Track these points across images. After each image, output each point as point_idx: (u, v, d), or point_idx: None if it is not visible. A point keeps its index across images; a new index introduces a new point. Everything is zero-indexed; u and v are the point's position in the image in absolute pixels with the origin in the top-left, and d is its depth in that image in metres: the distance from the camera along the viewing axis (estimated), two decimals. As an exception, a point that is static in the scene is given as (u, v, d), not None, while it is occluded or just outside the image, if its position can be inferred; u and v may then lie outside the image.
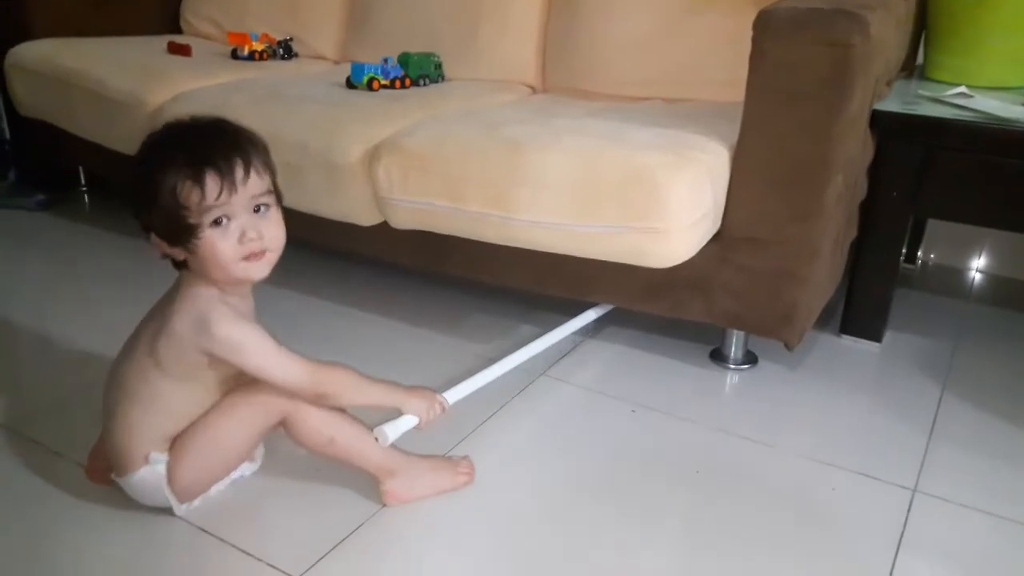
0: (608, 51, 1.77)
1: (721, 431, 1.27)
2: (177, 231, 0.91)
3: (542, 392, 1.37)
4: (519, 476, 1.15)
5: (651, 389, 1.38)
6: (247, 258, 0.93)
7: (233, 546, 0.99)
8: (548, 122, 1.41)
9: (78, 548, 0.98)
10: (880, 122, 1.38)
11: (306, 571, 0.95)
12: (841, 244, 1.41)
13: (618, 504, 1.09)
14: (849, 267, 1.53)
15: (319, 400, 0.99)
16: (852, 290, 1.55)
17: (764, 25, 1.18)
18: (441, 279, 1.73)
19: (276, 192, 0.97)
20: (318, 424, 1.00)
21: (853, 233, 1.49)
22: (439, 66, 1.87)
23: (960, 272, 1.99)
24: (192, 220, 0.90)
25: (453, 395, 1.14)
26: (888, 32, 1.31)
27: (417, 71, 1.81)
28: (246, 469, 1.10)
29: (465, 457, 1.15)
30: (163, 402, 0.98)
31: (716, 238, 1.29)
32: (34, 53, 2.00)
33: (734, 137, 1.26)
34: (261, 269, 0.95)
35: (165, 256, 0.96)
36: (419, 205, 1.36)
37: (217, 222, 0.91)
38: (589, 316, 1.50)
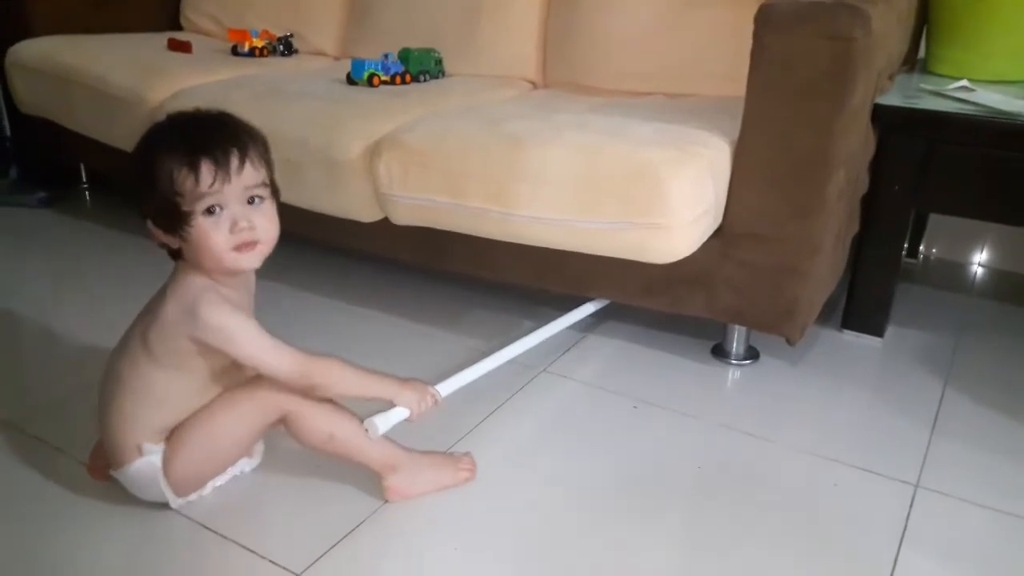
0: (609, 46, 1.77)
1: (723, 427, 1.26)
2: (171, 217, 0.92)
3: (543, 388, 1.37)
4: (521, 472, 1.15)
5: (652, 385, 1.37)
6: (238, 248, 0.94)
7: (234, 542, 0.99)
8: (549, 118, 1.41)
9: (79, 544, 0.98)
10: (882, 116, 1.38)
11: (308, 567, 0.95)
12: (843, 239, 1.41)
13: (620, 500, 1.09)
14: (851, 262, 1.53)
15: (309, 391, 0.98)
16: (854, 285, 1.55)
17: (766, 19, 1.17)
18: (441, 275, 1.73)
19: (273, 187, 0.98)
20: (319, 422, 1.00)
21: (855, 228, 1.49)
22: (439, 62, 1.87)
23: (962, 266, 1.98)
24: (185, 207, 0.91)
25: (446, 388, 1.13)
26: (890, 26, 1.31)
27: (418, 67, 1.81)
28: (245, 465, 1.10)
29: (467, 453, 1.14)
30: (155, 392, 0.98)
31: (718, 233, 1.29)
32: (35, 51, 2.00)
33: (735, 132, 1.25)
34: (251, 260, 0.96)
35: (162, 246, 0.97)
36: (420, 201, 1.36)
37: (210, 211, 0.92)
38: (585, 310, 1.49)
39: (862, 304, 1.55)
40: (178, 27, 2.43)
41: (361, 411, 1.04)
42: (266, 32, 2.13)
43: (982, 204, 1.43)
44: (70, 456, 1.13)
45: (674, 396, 1.34)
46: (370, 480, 1.06)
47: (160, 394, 0.98)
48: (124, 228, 1.99)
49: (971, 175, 1.40)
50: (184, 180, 0.90)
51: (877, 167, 1.46)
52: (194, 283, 0.96)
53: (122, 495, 1.03)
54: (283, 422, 1.01)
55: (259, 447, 1.12)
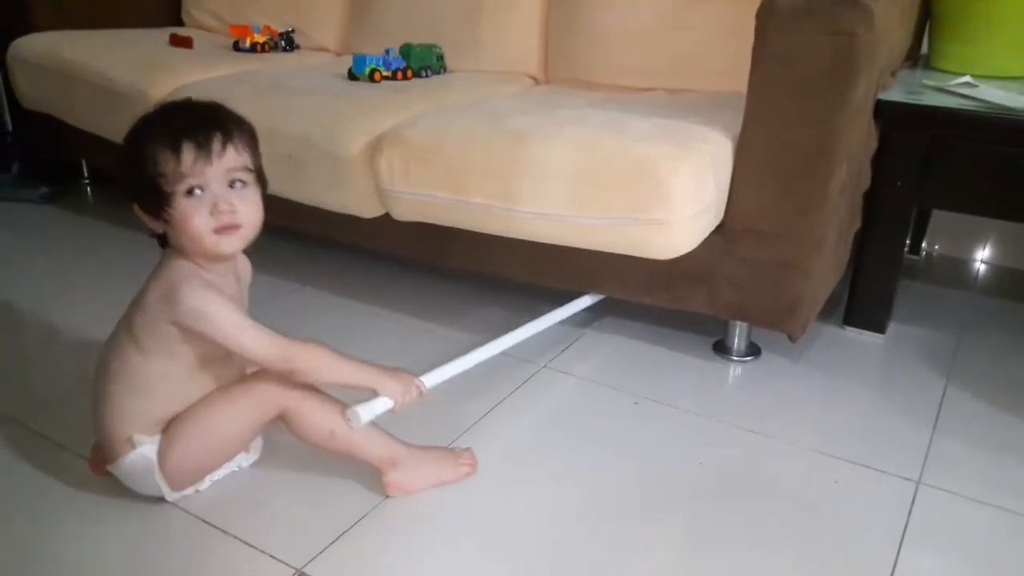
0: (610, 41, 1.77)
1: (724, 423, 1.26)
2: (153, 199, 0.93)
3: (544, 384, 1.37)
4: (521, 468, 1.15)
5: (653, 381, 1.37)
6: (219, 231, 0.94)
7: (234, 537, 0.99)
8: (551, 113, 1.40)
9: (80, 539, 0.98)
10: (884, 112, 1.37)
11: (308, 562, 0.95)
12: (845, 235, 1.40)
13: (620, 495, 1.09)
14: (853, 258, 1.52)
15: (291, 376, 0.98)
16: (856, 281, 1.55)
17: (767, 14, 1.17)
18: (443, 271, 1.73)
19: (259, 174, 0.98)
20: (320, 419, 1.00)
21: (857, 224, 1.48)
22: (441, 57, 1.87)
23: (964, 263, 1.98)
24: (167, 188, 0.92)
25: (431, 379, 1.11)
26: (892, 21, 1.30)
27: (419, 62, 1.81)
28: (243, 461, 1.10)
29: (467, 449, 1.14)
30: (143, 381, 0.98)
31: (719, 229, 1.29)
32: (36, 46, 2.00)
33: (737, 128, 1.25)
34: (232, 243, 0.96)
35: (153, 235, 0.98)
36: (421, 197, 1.36)
37: (191, 192, 0.93)
38: (577, 305, 1.47)
39: (864, 300, 1.55)
40: (180, 22, 2.43)
41: (347, 401, 1.03)
42: (267, 28, 2.13)
43: (985, 200, 1.43)
44: (71, 451, 1.14)
45: (675, 392, 1.34)
46: (371, 475, 1.06)
47: (148, 383, 0.98)
48: (126, 224, 1.99)
49: (974, 171, 1.39)
50: (167, 161, 0.91)
51: (879, 163, 1.46)
52: (178, 268, 0.96)
53: (123, 490, 1.03)
54: (283, 419, 1.01)
55: (258, 443, 1.12)
